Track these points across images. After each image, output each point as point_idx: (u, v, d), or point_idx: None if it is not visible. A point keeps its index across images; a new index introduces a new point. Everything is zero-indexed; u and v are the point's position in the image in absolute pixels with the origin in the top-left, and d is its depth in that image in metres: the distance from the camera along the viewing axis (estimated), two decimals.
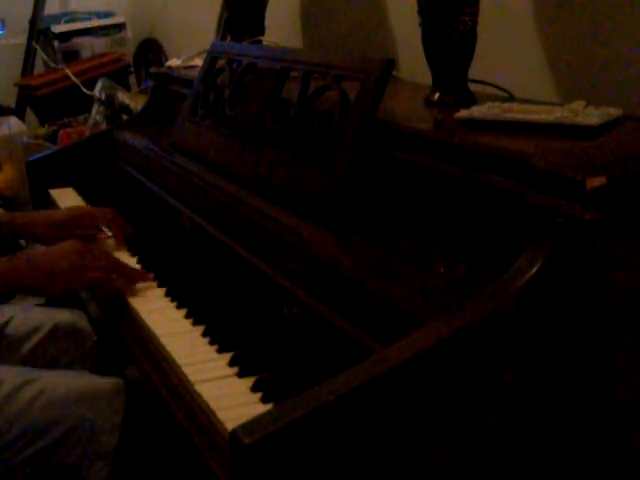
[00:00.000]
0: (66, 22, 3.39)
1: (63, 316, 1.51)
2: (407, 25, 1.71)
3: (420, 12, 1.24)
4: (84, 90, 2.83)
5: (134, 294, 1.25)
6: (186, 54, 2.05)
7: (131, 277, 1.28)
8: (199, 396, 0.93)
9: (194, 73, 1.73)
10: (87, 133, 2.50)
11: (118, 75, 3.00)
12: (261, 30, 1.99)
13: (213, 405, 0.90)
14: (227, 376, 0.97)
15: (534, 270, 0.78)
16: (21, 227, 1.51)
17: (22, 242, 1.94)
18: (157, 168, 1.63)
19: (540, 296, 0.79)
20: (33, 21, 3.38)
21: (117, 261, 1.30)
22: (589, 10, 1.33)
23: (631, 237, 0.82)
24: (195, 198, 1.43)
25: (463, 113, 1.09)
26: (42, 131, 2.74)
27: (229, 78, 1.49)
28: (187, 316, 1.15)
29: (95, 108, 2.59)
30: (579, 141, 0.94)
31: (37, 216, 1.55)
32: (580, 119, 0.98)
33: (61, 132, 2.63)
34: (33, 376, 1.22)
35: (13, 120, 2.94)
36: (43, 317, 1.50)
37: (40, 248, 1.30)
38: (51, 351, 1.45)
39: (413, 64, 1.66)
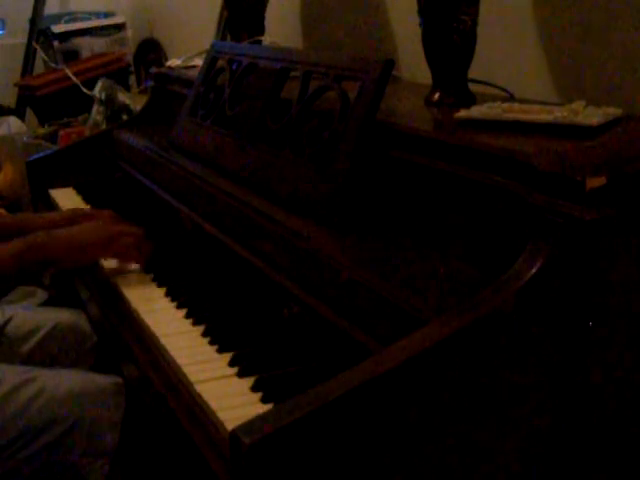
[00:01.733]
0: (66, 22, 3.39)
1: (63, 316, 1.51)
2: (407, 25, 1.71)
3: (420, 12, 1.24)
4: (84, 90, 2.83)
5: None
6: (186, 54, 2.05)
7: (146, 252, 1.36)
8: (199, 396, 0.93)
9: (194, 73, 1.73)
10: (87, 133, 2.50)
11: (118, 75, 2.99)
12: (261, 30, 1.99)
13: (213, 405, 0.90)
14: (227, 376, 0.97)
15: (534, 270, 0.78)
16: (19, 230, 1.50)
17: None
18: (157, 168, 1.63)
19: (540, 296, 0.79)
20: (33, 21, 3.38)
21: (141, 233, 1.36)
22: (589, 10, 1.33)
23: (631, 237, 0.82)
24: (195, 198, 1.43)
25: (463, 113, 1.09)
26: (42, 131, 2.74)
27: (229, 78, 1.49)
28: (187, 316, 1.15)
29: (95, 108, 2.59)
30: (579, 141, 0.94)
31: (36, 218, 1.55)
32: (580, 119, 0.98)
33: (61, 132, 2.62)
34: (33, 375, 1.22)
35: (13, 120, 2.94)
36: (43, 317, 1.50)
37: (64, 227, 1.37)
38: (51, 351, 1.45)
39: (413, 64, 1.66)
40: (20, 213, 1.96)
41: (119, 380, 1.25)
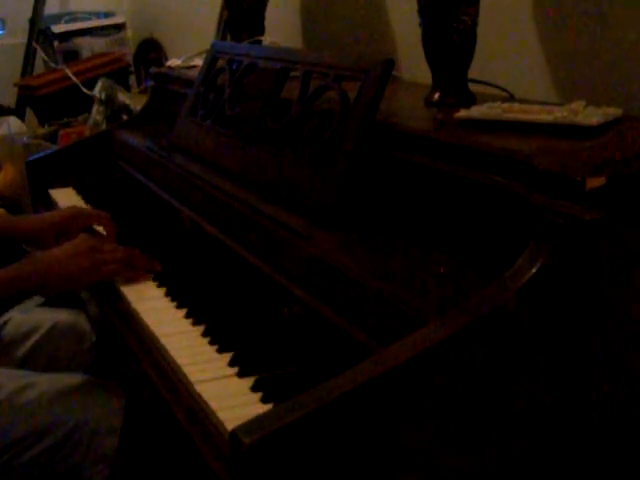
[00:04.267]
0: (66, 22, 3.39)
1: (62, 316, 1.51)
2: (407, 25, 1.71)
3: (420, 12, 1.24)
4: (84, 90, 2.83)
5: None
6: (186, 54, 2.05)
7: (143, 267, 1.30)
8: (199, 396, 0.93)
9: (194, 73, 1.73)
10: (87, 133, 2.50)
11: (118, 75, 2.99)
12: (261, 30, 1.99)
13: (213, 405, 0.90)
14: (227, 376, 0.97)
15: (534, 270, 0.78)
16: (17, 230, 1.50)
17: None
18: (157, 168, 1.63)
19: (540, 296, 0.79)
20: (33, 21, 3.38)
21: (130, 251, 1.31)
22: (589, 10, 1.33)
23: (631, 237, 0.82)
24: (195, 198, 1.43)
25: (463, 113, 1.09)
26: (42, 131, 2.74)
27: (229, 78, 1.49)
28: (187, 316, 1.15)
29: (95, 108, 2.59)
30: (579, 141, 0.94)
31: (32, 218, 1.55)
32: (580, 119, 0.98)
33: (61, 132, 2.63)
34: (33, 379, 1.22)
35: (13, 120, 2.94)
36: (42, 317, 1.50)
37: (51, 250, 1.30)
38: (50, 351, 1.45)
39: (413, 64, 1.66)
40: (17, 216, 1.95)
41: (119, 384, 1.25)
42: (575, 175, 0.80)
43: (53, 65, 3.24)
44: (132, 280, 1.29)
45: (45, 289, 1.25)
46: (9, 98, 3.26)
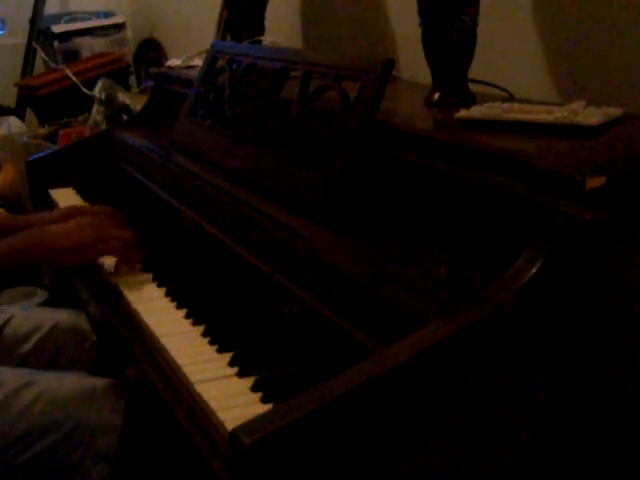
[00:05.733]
0: (66, 22, 3.39)
1: (63, 316, 1.51)
2: (407, 25, 1.71)
3: (420, 12, 1.24)
4: (84, 90, 2.83)
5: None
6: (186, 54, 2.05)
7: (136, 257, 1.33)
8: (199, 396, 0.93)
9: (194, 73, 1.73)
10: (87, 133, 2.50)
11: (118, 75, 3.00)
12: (261, 30, 1.99)
13: (213, 405, 0.90)
14: (227, 376, 0.97)
15: (534, 270, 0.78)
16: (18, 228, 1.49)
17: None
18: (157, 168, 1.63)
19: (540, 296, 0.79)
20: (33, 21, 3.38)
21: (133, 232, 1.33)
22: (589, 10, 1.33)
23: (631, 237, 0.82)
24: (195, 198, 1.43)
25: (463, 113, 1.09)
26: (42, 131, 2.74)
27: (229, 78, 1.49)
28: (187, 316, 1.15)
29: (95, 108, 2.59)
30: (579, 141, 0.94)
31: (33, 217, 1.55)
32: (580, 119, 0.98)
33: (61, 132, 2.63)
34: (33, 378, 1.22)
35: (13, 120, 2.94)
36: (43, 317, 1.50)
37: (52, 225, 1.32)
38: (50, 351, 1.45)
39: (413, 64, 1.66)
40: (18, 215, 1.95)
41: (118, 383, 1.25)
42: (575, 175, 0.80)
43: (53, 65, 3.25)
44: (125, 271, 1.32)
45: (44, 262, 1.26)
46: (9, 98, 3.26)
